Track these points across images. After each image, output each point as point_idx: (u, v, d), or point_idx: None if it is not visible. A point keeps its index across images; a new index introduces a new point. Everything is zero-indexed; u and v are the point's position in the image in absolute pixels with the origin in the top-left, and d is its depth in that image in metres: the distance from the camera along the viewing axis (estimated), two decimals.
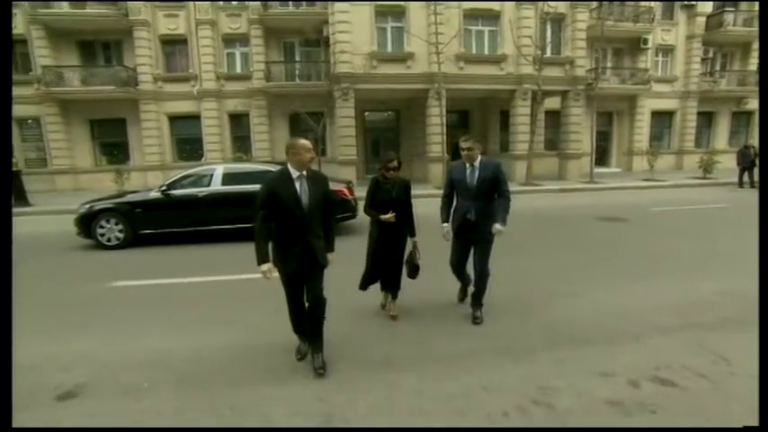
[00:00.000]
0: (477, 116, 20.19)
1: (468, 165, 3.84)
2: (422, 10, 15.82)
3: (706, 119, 22.12)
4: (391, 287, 4.09)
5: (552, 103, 18.68)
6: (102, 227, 7.52)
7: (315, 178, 3.04)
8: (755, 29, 20.04)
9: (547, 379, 2.97)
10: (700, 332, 3.65)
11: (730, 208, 10.59)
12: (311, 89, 16.89)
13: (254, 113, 18.21)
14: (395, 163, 3.80)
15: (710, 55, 21.53)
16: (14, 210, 11.86)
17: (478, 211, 3.80)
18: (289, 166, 2.98)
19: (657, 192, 14.43)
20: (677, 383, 2.88)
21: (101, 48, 17.99)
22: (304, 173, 2.97)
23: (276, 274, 2.98)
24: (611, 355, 3.30)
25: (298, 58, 18.55)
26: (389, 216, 3.78)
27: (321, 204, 3.05)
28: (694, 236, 7.60)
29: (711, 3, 20.55)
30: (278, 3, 17.26)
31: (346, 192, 8.24)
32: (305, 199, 2.94)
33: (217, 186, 7.75)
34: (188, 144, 18.68)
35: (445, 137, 15.69)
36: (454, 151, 13.58)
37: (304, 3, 17.25)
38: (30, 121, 17.48)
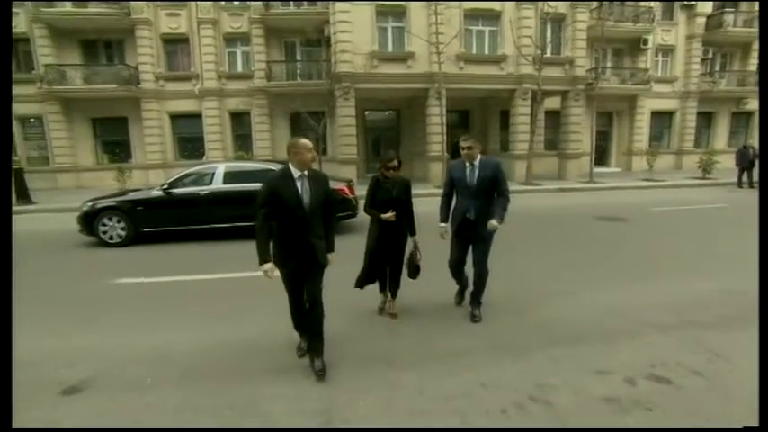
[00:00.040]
0: (478, 116, 20.24)
1: (467, 164, 3.85)
2: (422, 10, 15.86)
3: (705, 119, 22.17)
4: (391, 286, 4.09)
5: (552, 102, 18.72)
6: (104, 225, 7.57)
7: (316, 178, 3.05)
8: (755, 29, 20.08)
9: (544, 376, 3.00)
10: (696, 330, 3.69)
11: (729, 208, 10.63)
12: (312, 88, 16.94)
13: (256, 112, 18.28)
14: (395, 162, 3.80)
15: (710, 55, 21.57)
16: (17, 208, 11.99)
17: (478, 210, 3.81)
18: (290, 165, 2.98)
19: (657, 192, 14.47)
20: (673, 381, 2.92)
21: (103, 47, 18.06)
22: (305, 172, 2.98)
23: (277, 273, 3.00)
24: (608, 352, 3.34)
25: (299, 58, 18.62)
26: (390, 215, 3.78)
27: (322, 204, 3.06)
28: (693, 236, 7.64)
29: (711, 3, 20.59)
30: (279, 2, 17.32)
31: (347, 191, 8.28)
32: (306, 199, 2.95)
33: (218, 185, 7.81)
34: (189, 143, 18.75)
35: (445, 136, 15.75)
36: (454, 150, 13.66)
37: (305, 2, 17.31)
38: (32, 119, 17.57)
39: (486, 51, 17.03)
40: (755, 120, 22.24)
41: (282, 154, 16.87)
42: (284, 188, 2.91)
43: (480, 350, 3.45)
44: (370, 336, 3.77)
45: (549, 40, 16.90)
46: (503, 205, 3.81)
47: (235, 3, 17.91)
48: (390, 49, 16.42)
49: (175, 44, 18.07)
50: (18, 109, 16.03)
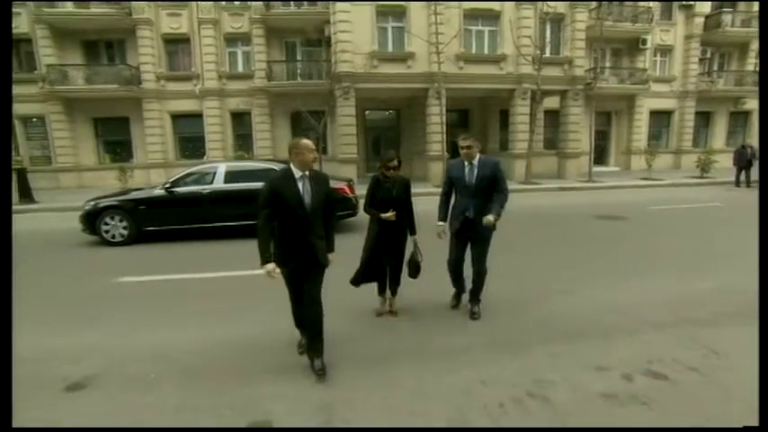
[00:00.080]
0: (477, 115, 20.31)
1: (466, 163, 3.86)
2: (422, 10, 15.94)
3: (704, 118, 22.24)
4: (391, 284, 4.11)
5: (551, 102, 18.79)
6: (106, 224, 7.62)
7: (317, 178, 3.06)
8: (753, 29, 20.16)
9: (543, 373, 3.04)
10: (692, 327, 3.73)
11: (727, 207, 10.70)
12: (312, 88, 17.00)
13: (256, 112, 18.35)
14: (395, 162, 3.81)
15: (708, 55, 21.62)
16: (20, 207, 12.09)
17: (477, 209, 3.81)
18: (291, 165, 2.98)
19: (655, 190, 14.54)
20: (669, 377, 2.96)
21: (104, 47, 18.13)
22: (307, 173, 2.99)
23: (279, 272, 3.00)
24: (606, 349, 3.37)
25: (299, 58, 18.69)
26: (390, 215, 3.78)
27: (323, 204, 3.07)
28: (690, 234, 7.71)
29: (710, 3, 20.65)
30: (280, 2, 17.38)
31: (347, 190, 8.32)
32: (307, 199, 2.96)
33: (219, 184, 7.86)
34: (190, 142, 18.82)
35: (445, 136, 15.81)
36: (453, 150, 13.73)
37: (305, 2, 17.37)
38: (34, 119, 17.64)
39: (486, 51, 17.10)
40: (753, 119, 22.34)
41: (283, 153, 16.97)
42: (286, 188, 2.92)
43: (479, 347, 3.48)
44: (370, 334, 3.80)
45: (548, 39, 16.99)
46: (500, 202, 3.81)
47: (235, 3, 17.97)
48: (390, 48, 16.50)
49: (176, 44, 18.14)
50: (20, 109, 16.10)
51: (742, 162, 14.86)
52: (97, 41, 17.93)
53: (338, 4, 15.63)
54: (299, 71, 17.86)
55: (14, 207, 11.72)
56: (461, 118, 20.15)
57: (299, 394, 2.87)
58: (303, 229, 2.98)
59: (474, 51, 16.97)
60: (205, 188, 7.84)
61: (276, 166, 7.64)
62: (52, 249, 7.52)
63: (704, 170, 17.09)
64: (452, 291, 4.41)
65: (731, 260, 5.85)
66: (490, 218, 3.69)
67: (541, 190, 15.01)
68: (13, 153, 12.88)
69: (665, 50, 21.09)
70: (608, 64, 20.25)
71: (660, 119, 21.82)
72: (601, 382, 2.90)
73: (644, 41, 19.79)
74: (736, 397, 2.69)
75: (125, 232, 7.68)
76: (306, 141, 2.97)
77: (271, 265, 2.90)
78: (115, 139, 18.66)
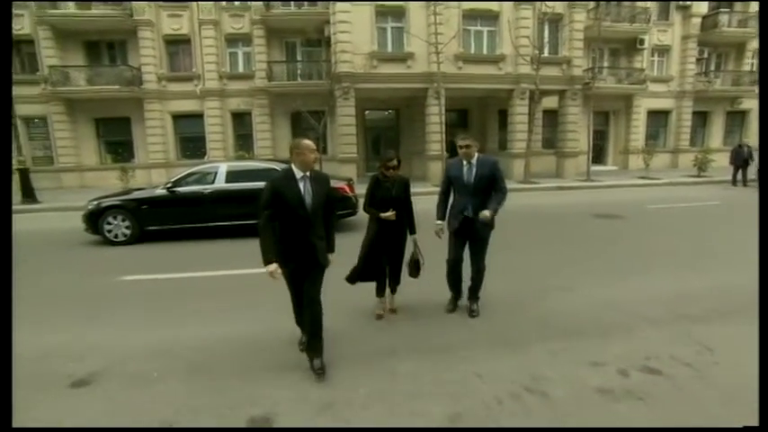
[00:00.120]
0: (476, 115, 20.42)
1: (465, 162, 3.86)
2: (421, 10, 16.04)
3: (701, 118, 22.37)
4: (391, 282, 4.13)
5: (550, 102, 18.87)
6: (109, 223, 7.67)
7: (318, 179, 3.07)
8: (750, 29, 20.33)
9: (540, 368, 3.08)
10: (688, 324, 3.78)
11: (723, 206, 10.77)
12: (312, 88, 17.12)
13: (257, 112, 18.45)
14: (394, 162, 3.81)
15: (705, 55, 21.78)
16: (23, 207, 12.17)
17: (475, 208, 3.80)
18: (293, 166, 2.99)
19: (653, 189, 14.61)
20: (664, 372, 3.01)
21: (106, 48, 18.23)
22: (308, 173, 3.00)
23: (280, 272, 3.01)
24: (603, 346, 3.41)
25: (299, 58, 18.80)
26: (390, 214, 3.77)
27: (323, 205, 3.09)
28: (687, 232, 7.78)
29: (707, 4, 20.78)
30: (280, 3, 17.47)
31: (347, 189, 8.35)
32: (308, 199, 2.96)
33: (221, 184, 7.90)
34: (191, 142, 18.92)
35: (444, 135, 15.89)
36: (451, 149, 13.83)
37: (305, 3, 17.47)
38: (37, 119, 17.74)
39: (485, 51, 17.20)
40: (750, 119, 22.50)
41: (283, 153, 17.07)
42: (287, 188, 2.93)
43: (478, 344, 3.52)
44: (370, 331, 3.83)
45: (546, 40, 17.12)
46: (498, 199, 3.83)
47: (236, 3, 18.08)
48: (390, 49, 16.60)
49: (177, 45, 18.24)
50: (23, 109, 16.17)
51: (739, 161, 14.99)
52: (99, 42, 18.03)
53: (338, 4, 15.72)
54: (299, 71, 17.97)
55: (17, 207, 11.84)
56: (460, 118, 20.24)
57: (300, 392, 2.88)
58: (304, 230, 2.99)
59: (473, 51, 17.07)
60: (206, 188, 7.88)
61: (277, 166, 7.70)
62: (55, 249, 7.57)
63: (701, 169, 17.21)
64: None
65: (728, 258, 5.92)
66: (486, 213, 3.70)
67: (540, 189, 15.10)
68: (17, 153, 12.99)
69: (663, 50, 21.22)
70: (606, 64, 20.38)
71: (658, 118, 21.95)
72: (597, 378, 2.95)
73: (641, 42, 19.92)
74: (727, 392, 2.76)
75: (127, 232, 7.72)
76: (307, 142, 2.99)
77: (273, 266, 2.90)
78: (117, 140, 18.74)
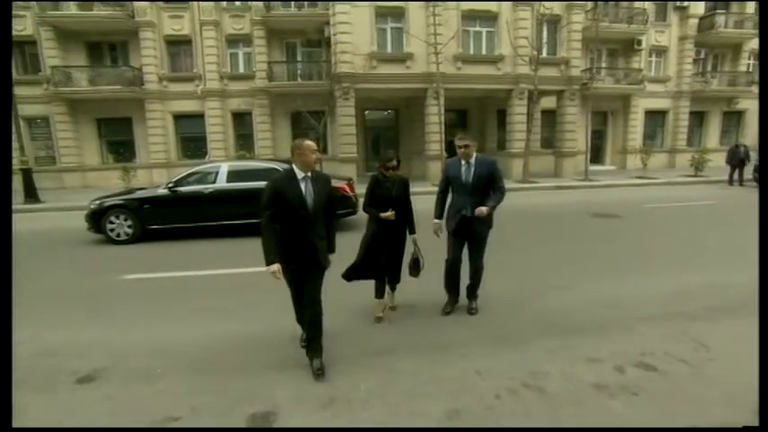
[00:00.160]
0: (475, 115, 20.51)
1: (463, 162, 3.87)
2: (421, 11, 16.14)
3: (698, 118, 22.51)
4: (391, 281, 4.15)
5: (548, 102, 19.03)
6: (111, 222, 7.73)
7: (319, 179, 3.08)
8: (746, 30, 20.52)
9: (538, 365, 3.12)
10: (684, 321, 3.82)
11: (720, 205, 10.83)
12: (312, 88, 17.24)
13: (257, 112, 18.55)
14: (394, 162, 3.81)
15: (702, 56, 21.93)
16: (26, 206, 12.26)
17: (474, 207, 3.79)
18: (294, 166, 3.00)
19: (650, 189, 14.69)
20: (659, 368, 3.06)
21: (107, 48, 18.32)
22: (309, 174, 3.00)
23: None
24: (600, 343, 3.46)
25: (299, 59, 18.90)
26: (389, 214, 3.77)
27: (324, 205, 3.11)
28: (684, 231, 7.82)
29: (703, 4, 20.92)
30: (280, 4, 17.56)
31: (347, 188, 8.39)
32: (310, 200, 2.97)
33: (222, 183, 7.95)
34: (192, 142, 19.01)
35: (443, 135, 15.95)
36: (450, 149, 13.94)
37: (306, 4, 17.55)
38: (39, 120, 17.82)
39: (484, 52, 17.31)
40: (746, 119, 22.68)
41: (283, 153, 17.18)
42: (288, 189, 2.94)
43: (477, 341, 3.55)
44: (370, 330, 3.87)
45: (545, 40, 17.21)
46: (496, 198, 3.87)
47: (236, 4, 18.18)
48: (389, 49, 16.70)
49: (178, 46, 18.35)
50: (25, 110, 16.23)
51: (735, 161, 15.11)
52: (100, 43, 18.13)
53: (338, 5, 15.81)
54: (299, 72, 18.06)
55: (21, 207, 11.96)
56: (460, 118, 20.33)
57: (301, 389, 2.91)
58: (305, 230, 3.00)
59: (472, 52, 17.17)
60: (208, 187, 7.94)
61: (277, 166, 7.79)
62: (58, 247, 7.63)
63: (698, 169, 17.34)
64: None
65: (723, 257, 5.98)
66: (483, 208, 3.72)
67: (538, 188, 15.20)
68: (20, 153, 13.08)
69: (660, 51, 21.35)
70: (604, 64, 20.50)
71: (655, 118, 22.08)
72: (593, 374, 3.00)
73: (639, 42, 20.04)
74: (720, 386, 2.83)
75: (129, 231, 7.78)
76: (308, 142, 3.00)
77: (276, 266, 2.90)
78: (118, 140, 18.84)
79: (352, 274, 3.98)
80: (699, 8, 20.87)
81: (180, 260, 6.53)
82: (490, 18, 17.04)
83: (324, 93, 16.59)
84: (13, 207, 10.73)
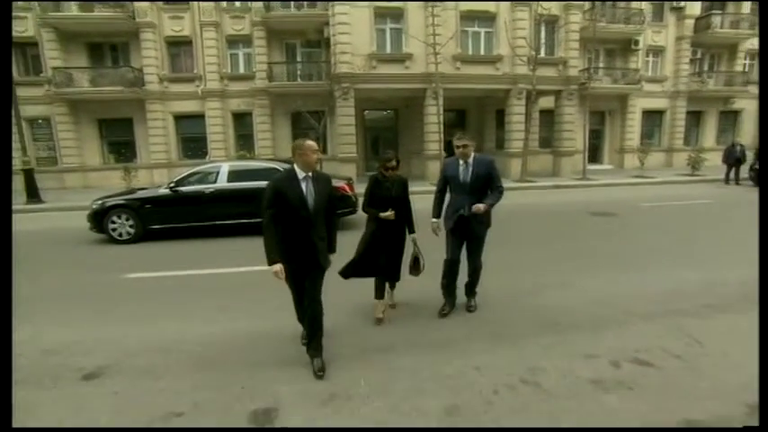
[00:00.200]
0: (474, 115, 20.60)
1: (461, 161, 3.88)
2: (420, 11, 16.23)
3: (694, 118, 22.62)
4: (390, 279, 4.16)
5: (546, 102, 19.13)
6: (113, 222, 7.78)
7: (319, 179, 3.08)
8: (742, 31, 20.69)
9: (535, 361, 3.17)
10: (679, 318, 3.87)
11: (716, 204, 10.92)
12: (312, 89, 17.33)
13: (257, 112, 18.63)
14: (393, 162, 3.82)
15: (699, 56, 22.05)
16: (28, 207, 12.33)
17: (471, 206, 3.81)
18: (295, 166, 3.01)
19: (647, 188, 14.79)
20: (654, 364, 3.11)
21: (108, 49, 18.37)
22: (310, 174, 3.01)
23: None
24: (596, 339, 3.51)
25: (299, 59, 18.96)
26: (389, 214, 3.78)
27: (325, 205, 3.12)
28: (680, 230, 7.92)
29: (700, 5, 21.02)
30: (280, 4, 17.60)
31: (347, 188, 8.45)
32: (310, 200, 2.98)
33: (223, 183, 8.00)
34: (193, 142, 19.08)
35: (442, 135, 16.05)
36: (448, 148, 14.03)
37: (305, 5, 17.60)
38: (40, 120, 17.90)
39: (482, 52, 17.43)
40: (742, 118, 22.85)
41: (283, 153, 17.26)
42: (289, 189, 2.94)
43: (476, 338, 3.59)
44: (370, 328, 3.90)
45: (543, 41, 17.36)
46: (494, 197, 3.89)
47: (236, 5, 18.24)
48: (388, 50, 16.80)
49: (179, 46, 18.41)
50: (27, 111, 16.28)
51: (731, 160, 15.22)
52: (102, 44, 18.18)
53: (337, 6, 15.90)
54: (299, 72, 18.13)
55: (22, 207, 12.04)
56: (458, 118, 20.40)
57: (302, 386, 2.94)
58: (305, 230, 3.01)
59: (470, 52, 17.28)
60: (209, 187, 7.98)
61: (278, 166, 7.85)
62: (60, 247, 7.70)
63: (695, 168, 17.48)
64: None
65: (719, 255, 6.06)
66: (480, 206, 3.74)
67: (537, 188, 15.30)
68: (21, 154, 13.14)
69: (657, 51, 21.46)
70: (601, 64, 20.60)
71: (652, 118, 22.20)
72: (590, 369, 3.05)
73: (636, 42, 20.13)
74: (712, 381, 2.90)
75: (131, 230, 7.83)
76: (309, 143, 3.00)
77: (278, 266, 2.92)
78: (119, 140, 18.90)
79: (349, 272, 3.98)
80: (695, 8, 20.98)
81: (182, 259, 6.60)
82: (488, 18, 17.15)
83: (323, 93, 16.67)
84: (16, 207, 10.87)
